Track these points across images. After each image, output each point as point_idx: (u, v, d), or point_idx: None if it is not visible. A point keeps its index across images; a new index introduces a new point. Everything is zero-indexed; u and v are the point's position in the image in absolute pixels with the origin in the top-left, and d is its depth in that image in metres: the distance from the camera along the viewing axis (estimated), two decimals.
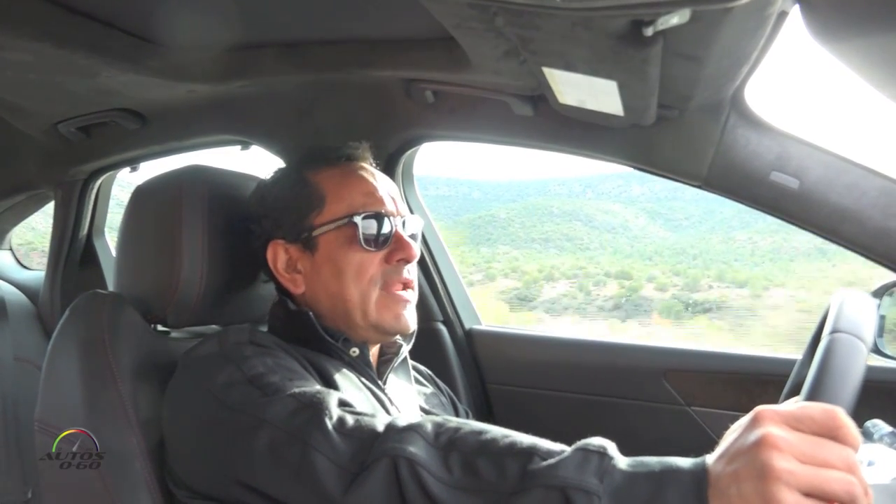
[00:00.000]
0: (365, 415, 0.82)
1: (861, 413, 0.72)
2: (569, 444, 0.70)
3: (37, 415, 1.09)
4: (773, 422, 0.58)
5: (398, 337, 1.17)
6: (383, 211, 1.10)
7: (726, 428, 0.64)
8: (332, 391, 0.88)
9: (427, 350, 1.44)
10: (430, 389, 1.28)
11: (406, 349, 1.19)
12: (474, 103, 1.42)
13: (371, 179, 1.14)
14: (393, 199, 1.14)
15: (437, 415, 1.20)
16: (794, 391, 0.89)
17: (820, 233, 1.22)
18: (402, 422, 0.79)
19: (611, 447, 0.67)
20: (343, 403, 0.86)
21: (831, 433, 0.58)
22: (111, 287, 1.30)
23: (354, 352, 1.10)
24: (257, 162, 1.75)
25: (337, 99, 1.55)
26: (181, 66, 1.43)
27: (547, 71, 1.05)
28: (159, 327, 1.20)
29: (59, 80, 1.49)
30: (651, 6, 0.75)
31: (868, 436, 0.92)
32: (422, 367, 1.34)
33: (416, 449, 0.73)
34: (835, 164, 1.18)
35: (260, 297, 1.22)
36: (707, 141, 1.24)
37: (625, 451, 0.68)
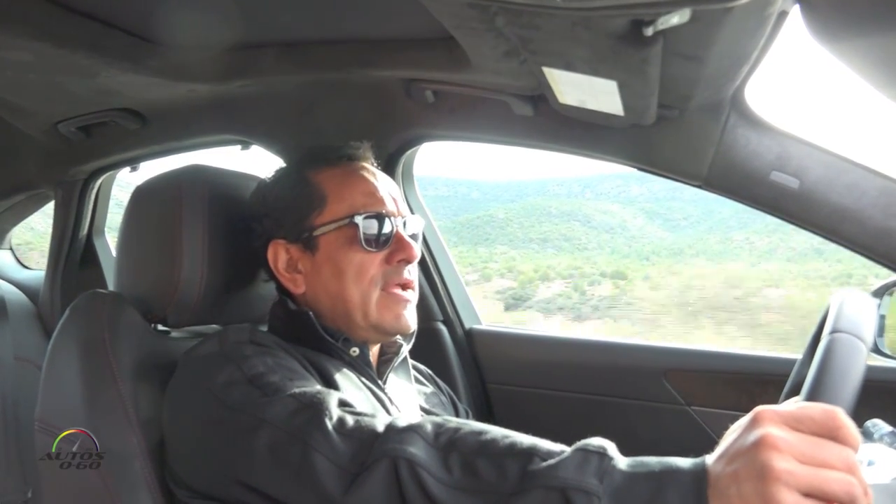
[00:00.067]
0: (365, 415, 0.82)
1: (861, 413, 0.72)
2: (569, 443, 0.70)
3: (37, 414, 1.09)
4: (772, 422, 0.58)
5: (398, 337, 1.17)
6: (384, 211, 1.10)
7: (726, 428, 0.64)
8: (332, 391, 0.88)
9: (427, 350, 1.44)
10: (430, 389, 1.28)
11: (406, 349, 1.19)
12: (474, 103, 1.42)
13: (372, 179, 1.14)
14: (394, 199, 1.14)
15: (437, 414, 1.21)
16: (795, 391, 0.89)
17: (820, 233, 1.22)
18: (401, 422, 0.79)
19: (611, 447, 0.67)
20: (343, 403, 0.86)
21: (831, 433, 0.58)
22: (111, 287, 1.30)
23: (354, 352, 1.10)
24: (257, 162, 1.76)
25: (337, 99, 1.55)
26: (181, 65, 1.43)
27: (547, 71, 1.05)
28: (159, 327, 1.20)
29: (59, 80, 1.49)
30: (651, 6, 0.75)
31: (868, 435, 0.92)
32: (422, 367, 1.34)
33: (416, 449, 0.73)
34: (835, 163, 1.18)
35: (260, 297, 1.22)
36: (707, 141, 1.24)
37: (625, 451, 0.68)
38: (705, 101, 1.20)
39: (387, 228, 1.09)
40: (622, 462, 0.65)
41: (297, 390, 0.87)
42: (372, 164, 1.18)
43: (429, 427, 0.77)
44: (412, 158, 1.66)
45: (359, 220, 1.07)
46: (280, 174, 1.17)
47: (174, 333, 1.22)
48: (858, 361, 0.74)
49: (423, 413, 1.19)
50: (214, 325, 1.22)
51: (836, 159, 1.18)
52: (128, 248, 1.21)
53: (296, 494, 0.79)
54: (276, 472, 0.81)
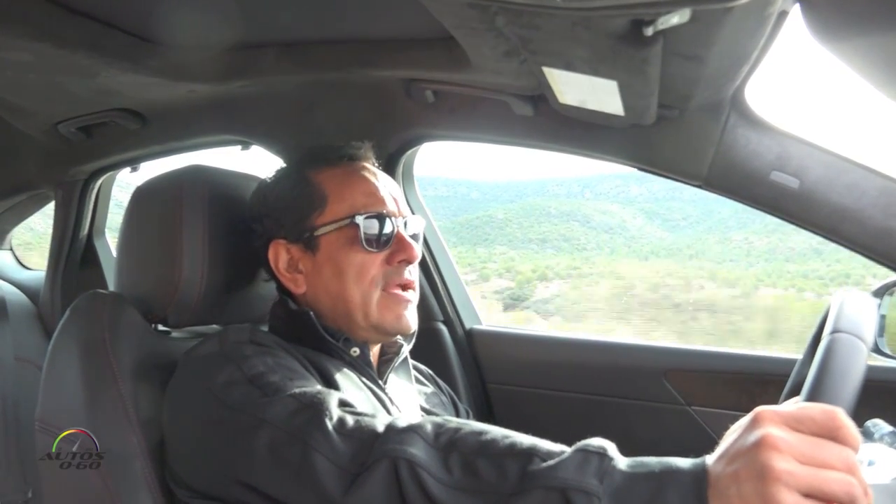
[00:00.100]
0: (365, 415, 0.82)
1: (861, 412, 0.72)
2: (569, 443, 0.70)
3: (37, 414, 1.09)
4: (772, 422, 0.58)
5: (399, 337, 1.17)
6: (385, 211, 1.10)
7: (727, 428, 0.64)
8: (332, 391, 0.88)
9: (427, 350, 1.44)
10: (430, 389, 1.28)
11: (406, 349, 1.19)
12: (474, 103, 1.42)
13: (373, 179, 1.13)
14: (395, 199, 1.14)
15: (437, 414, 1.21)
16: (795, 391, 0.89)
17: (820, 232, 1.22)
18: (402, 422, 0.79)
19: (611, 448, 0.67)
20: (343, 403, 0.86)
21: (831, 434, 0.58)
22: (112, 287, 1.30)
23: (355, 352, 1.10)
24: (257, 162, 1.76)
25: (337, 99, 1.55)
26: (181, 65, 1.43)
27: (547, 71, 1.05)
28: (160, 327, 1.20)
29: (59, 80, 1.49)
30: (651, 6, 0.75)
31: (868, 435, 0.92)
32: (422, 367, 1.34)
33: (417, 450, 0.73)
34: (835, 163, 1.18)
35: (260, 297, 1.22)
36: (707, 140, 1.24)
37: (625, 451, 0.68)
38: (705, 100, 1.20)
39: (388, 229, 1.09)
40: (622, 462, 0.65)
41: (297, 390, 0.87)
42: (373, 164, 1.18)
43: (429, 427, 0.77)
44: (412, 158, 1.66)
45: (359, 220, 1.07)
46: (281, 174, 1.17)
47: (174, 333, 1.22)
48: (859, 361, 0.74)
49: (423, 413, 1.19)
50: (215, 326, 1.23)
51: (836, 159, 1.18)
52: (128, 249, 1.21)
53: (296, 494, 0.79)
54: (276, 471, 0.81)
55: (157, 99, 1.62)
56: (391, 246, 1.10)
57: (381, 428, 0.78)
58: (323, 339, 1.07)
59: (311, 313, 1.08)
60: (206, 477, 0.93)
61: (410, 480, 0.71)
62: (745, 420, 0.61)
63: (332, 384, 1.00)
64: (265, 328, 1.13)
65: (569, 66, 1.00)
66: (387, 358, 1.18)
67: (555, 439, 0.72)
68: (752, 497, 0.56)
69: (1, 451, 1.92)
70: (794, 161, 1.20)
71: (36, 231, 2.91)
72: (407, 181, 1.67)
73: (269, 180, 1.18)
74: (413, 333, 1.17)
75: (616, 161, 1.37)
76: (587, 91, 1.09)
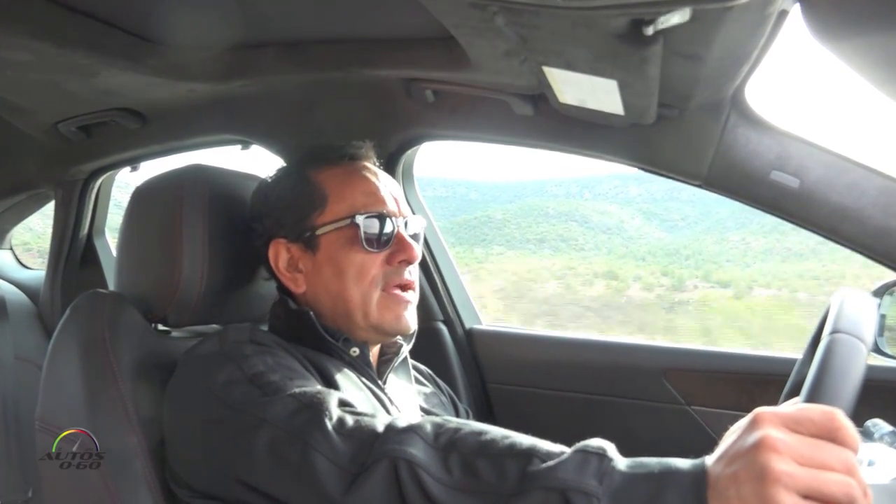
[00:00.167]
0: (365, 415, 0.82)
1: (861, 412, 0.72)
2: (569, 443, 0.70)
3: (37, 414, 1.09)
4: (772, 424, 0.58)
5: (398, 337, 1.17)
6: (385, 211, 1.10)
7: (726, 427, 0.64)
8: (332, 391, 0.88)
9: (427, 349, 1.44)
10: (429, 389, 1.28)
11: (406, 349, 1.19)
12: (474, 103, 1.42)
13: (373, 179, 1.13)
14: (395, 199, 1.14)
15: (437, 414, 1.21)
16: (795, 391, 0.89)
17: (820, 232, 1.22)
18: (401, 423, 0.79)
19: (610, 448, 0.67)
20: (343, 403, 0.86)
21: (830, 435, 0.58)
22: (112, 286, 1.30)
23: (355, 352, 1.10)
24: (257, 162, 1.76)
25: (337, 98, 1.55)
26: (181, 65, 1.43)
27: (547, 70, 1.05)
28: (160, 326, 1.20)
29: (59, 80, 1.49)
30: (651, 5, 0.75)
31: (868, 435, 0.93)
32: (422, 367, 1.33)
33: (416, 450, 0.73)
34: (835, 163, 1.18)
35: (260, 297, 1.22)
36: (707, 140, 1.24)
37: (625, 451, 0.68)
38: (705, 100, 1.20)
39: (388, 229, 1.09)
40: (622, 463, 0.65)
41: (297, 390, 0.87)
42: (374, 164, 1.18)
43: (429, 427, 0.77)
44: (412, 158, 1.66)
45: (360, 219, 1.07)
46: (281, 173, 1.17)
47: (174, 333, 1.22)
48: (858, 362, 0.74)
49: (423, 413, 1.19)
50: (215, 325, 1.23)
51: (836, 159, 1.18)
52: (128, 248, 1.21)
53: (296, 494, 0.79)
54: (276, 471, 0.81)
55: (158, 98, 1.62)
56: (391, 246, 1.10)
57: (380, 428, 0.78)
58: (322, 339, 1.07)
59: (311, 313, 1.08)
60: (206, 476, 0.93)
61: (410, 480, 0.71)
62: (744, 421, 0.61)
63: (331, 384, 1.00)
64: (265, 328, 1.13)
65: (569, 66, 1.00)
66: (386, 358, 1.17)
67: (554, 439, 0.72)
68: (752, 498, 0.56)
69: (1, 450, 1.92)
70: (794, 161, 1.20)
71: (35, 231, 2.91)
72: (407, 181, 1.67)
73: (269, 179, 1.18)
74: (413, 333, 1.17)
75: (616, 161, 1.37)
76: (587, 90, 1.09)
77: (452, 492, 0.70)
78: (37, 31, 1.23)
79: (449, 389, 1.36)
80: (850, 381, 0.71)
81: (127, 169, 2.04)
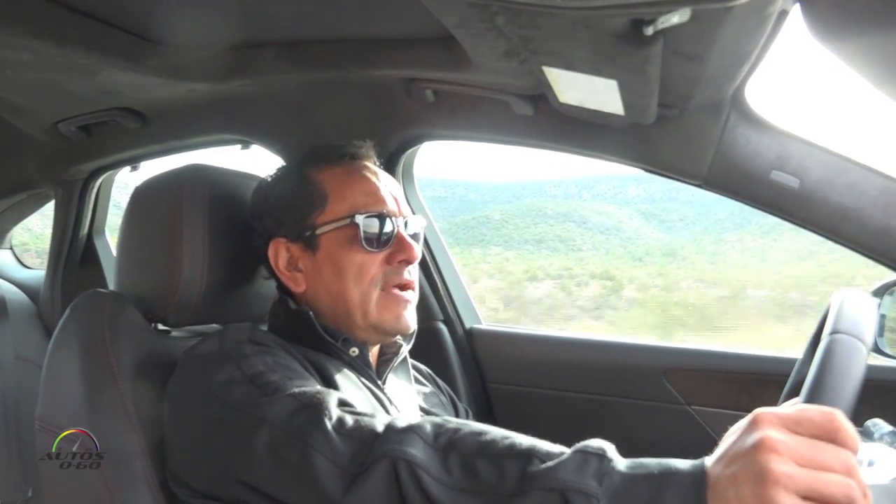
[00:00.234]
0: (365, 415, 0.82)
1: (861, 412, 0.72)
2: (569, 443, 0.70)
3: (37, 414, 1.09)
4: (771, 424, 0.58)
5: (398, 337, 1.17)
6: (385, 211, 1.10)
7: (727, 427, 0.64)
8: (331, 391, 0.88)
9: (427, 349, 1.44)
10: (429, 389, 1.28)
11: (406, 349, 1.19)
12: (474, 102, 1.42)
13: (374, 179, 1.13)
14: (395, 199, 1.14)
15: (436, 414, 1.21)
16: (795, 391, 0.89)
17: (820, 232, 1.22)
18: (401, 423, 0.79)
19: (610, 449, 0.67)
20: (343, 403, 0.86)
21: (830, 436, 0.58)
22: (112, 286, 1.30)
23: (354, 352, 1.09)
24: (258, 161, 1.76)
25: (337, 98, 1.55)
26: (181, 65, 1.43)
27: (547, 70, 1.05)
28: (160, 326, 1.20)
29: (59, 79, 1.49)
30: (651, 5, 0.75)
31: (868, 435, 0.92)
32: (421, 367, 1.33)
33: (416, 450, 0.73)
34: (835, 163, 1.18)
35: (260, 297, 1.22)
36: (707, 140, 1.24)
37: (625, 451, 0.68)
38: (706, 100, 1.20)
39: (388, 228, 1.09)
40: (621, 464, 0.65)
41: (296, 390, 0.87)
42: (374, 164, 1.18)
43: (428, 427, 0.77)
44: (412, 158, 1.66)
45: (360, 219, 1.07)
46: (281, 173, 1.17)
47: (174, 333, 1.22)
48: (858, 362, 0.74)
49: (422, 413, 1.19)
50: (215, 325, 1.23)
51: (836, 159, 1.18)
52: (128, 248, 1.21)
53: (296, 494, 0.79)
54: (275, 471, 0.81)
55: (158, 98, 1.62)
56: (391, 246, 1.10)
57: (380, 428, 0.78)
58: (322, 339, 1.07)
59: (311, 313, 1.08)
60: (205, 476, 0.93)
61: (410, 481, 0.71)
62: (743, 422, 0.61)
63: (331, 384, 1.00)
64: (265, 327, 1.13)
65: (569, 66, 1.00)
66: (386, 358, 1.17)
67: (555, 439, 0.72)
68: (751, 499, 0.56)
69: (1, 450, 1.92)
70: (794, 160, 1.20)
71: (34, 232, 2.90)
72: (407, 181, 1.67)
73: (269, 179, 1.18)
74: (412, 333, 1.17)
75: (616, 160, 1.37)
76: (587, 90, 1.09)
77: (452, 492, 0.70)
78: (37, 31, 1.23)
79: (449, 389, 1.36)
80: (850, 381, 0.71)
81: (126, 169, 2.04)
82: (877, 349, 1.08)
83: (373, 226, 1.08)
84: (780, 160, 1.20)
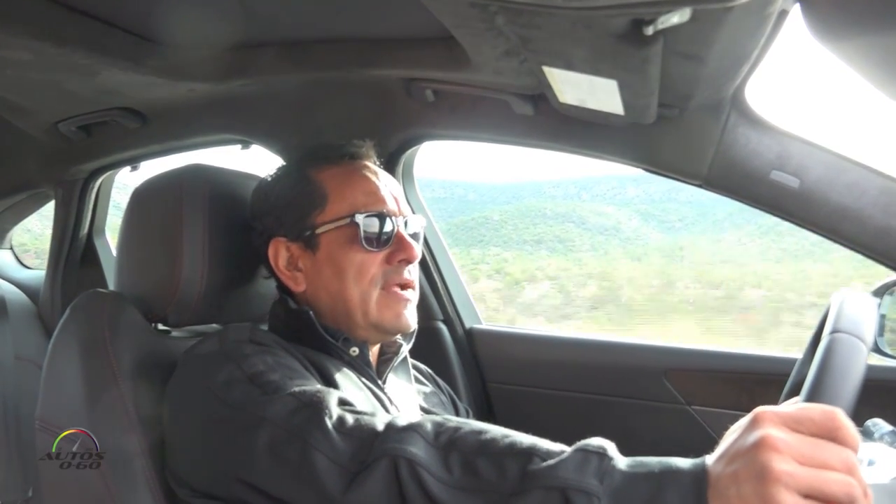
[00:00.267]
0: (365, 414, 0.82)
1: (861, 412, 0.72)
2: (569, 443, 0.70)
3: (37, 414, 1.09)
4: (772, 423, 0.58)
5: (398, 336, 1.17)
6: (385, 210, 1.10)
7: (727, 427, 0.64)
8: (332, 390, 0.88)
9: (427, 349, 1.44)
10: (429, 388, 1.28)
11: (406, 349, 1.19)
12: (474, 102, 1.42)
13: (374, 178, 1.13)
14: (395, 198, 1.14)
15: (436, 414, 1.21)
16: (795, 391, 0.89)
17: (820, 232, 1.22)
18: (402, 421, 0.79)
19: (610, 448, 0.67)
20: (343, 402, 0.86)
21: (831, 434, 0.58)
22: (112, 286, 1.30)
23: (354, 351, 1.10)
24: (258, 161, 1.76)
25: (337, 98, 1.55)
26: (181, 65, 1.43)
27: (547, 70, 1.05)
28: (160, 326, 1.20)
29: (60, 79, 1.49)
30: (651, 5, 0.75)
31: (868, 435, 0.93)
32: (421, 366, 1.33)
33: (417, 449, 0.73)
34: (835, 163, 1.18)
35: (260, 296, 1.22)
36: (707, 140, 1.24)
37: (625, 451, 0.68)
38: (706, 100, 1.20)
39: (388, 228, 1.09)
40: (622, 462, 0.65)
41: (296, 389, 0.87)
42: (374, 163, 1.18)
43: (429, 426, 0.77)
44: (412, 158, 1.66)
45: (359, 219, 1.07)
46: (281, 172, 1.17)
47: (175, 333, 1.22)
48: (858, 362, 0.74)
49: (422, 413, 1.19)
50: (215, 325, 1.23)
51: (836, 158, 1.18)
52: (128, 248, 1.21)
53: (296, 493, 0.79)
54: (276, 470, 0.81)
55: (158, 98, 1.62)
56: (391, 245, 1.10)
57: (380, 427, 0.78)
58: (322, 339, 1.07)
59: (311, 312, 1.08)
60: (206, 476, 0.93)
61: (410, 479, 0.71)
62: (744, 420, 0.61)
63: (331, 383, 1.00)
64: (265, 327, 1.13)
65: (569, 66, 1.00)
66: (386, 358, 1.18)
67: (555, 439, 0.72)
68: (752, 497, 0.56)
69: (1, 450, 1.92)
70: (794, 160, 1.20)
71: (33, 233, 2.90)
72: (407, 180, 1.67)
73: (269, 179, 1.18)
74: (413, 333, 1.18)
75: (616, 160, 1.37)
76: (587, 90, 1.09)
77: (452, 490, 0.70)
78: (37, 31, 1.23)
79: (449, 389, 1.36)
80: (851, 380, 0.71)
81: (126, 169, 2.04)
82: (877, 349, 1.08)
83: (373, 225, 1.08)
84: (781, 160, 1.20)
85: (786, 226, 1.25)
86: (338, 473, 0.76)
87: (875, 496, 0.59)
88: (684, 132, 1.26)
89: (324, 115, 1.58)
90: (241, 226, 1.16)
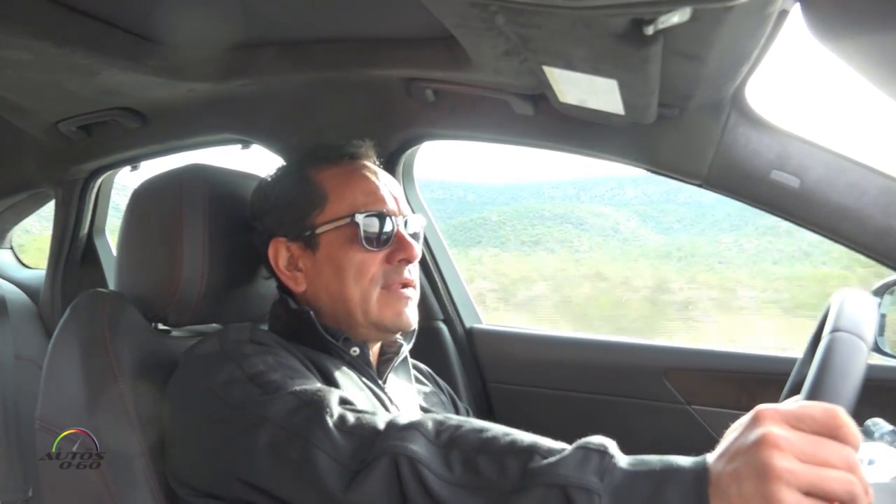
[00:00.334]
0: (366, 412, 0.82)
1: (861, 412, 0.72)
2: (569, 442, 0.70)
3: (37, 414, 1.09)
4: (773, 421, 0.58)
5: (399, 336, 1.17)
6: (385, 210, 1.10)
7: (727, 427, 0.64)
8: (332, 389, 0.88)
9: (428, 349, 1.44)
10: (429, 388, 1.28)
11: (406, 349, 1.19)
12: (475, 102, 1.42)
13: (373, 178, 1.13)
14: (395, 198, 1.14)
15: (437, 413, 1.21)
16: (795, 390, 0.89)
17: (820, 232, 1.22)
18: (403, 420, 0.79)
19: (611, 445, 0.67)
20: (344, 401, 0.86)
21: (832, 432, 0.58)
22: (112, 286, 1.30)
23: (355, 351, 1.10)
24: (258, 161, 1.76)
25: (337, 98, 1.55)
26: (181, 64, 1.43)
27: (547, 70, 1.05)
28: (160, 326, 1.20)
29: (60, 79, 1.49)
30: (651, 5, 0.75)
31: (868, 434, 0.93)
32: (422, 366, 1.34)
33: (417, 447, 0.73)
34: (835, 162, 1.18)
35: (261, 296, 1.22)
36: (708, 140, 1.24)
37: (625, 450, 0.68)
38: (706, 100, 1.20)
39: (387, 227, 1.09)
40: (623, 460, 0.65)
41: (297, 388, 0.87)
42: (374, 163, 1.18)
43: (430, 424, 0.77)
44: (412, 158, 1.66)
45: (359, 218, 1.07)
46: (281, 172, 1.17)
47: (175, 333, 1.22)
48: (859, 360, 0.74)
49: (422, 412, 1.19)
50: (215, 325, 1.23)
51: (836, 158, 1.18)
52: (128, 248, 1.21)
53: (297, 492, 0.79)
54: (277, 469, 0.81)
55: (158, 98, 1.62)
56: (391, 245, 1.10)
57: (381, 425, 0.78)
58: (323, 339, 1.07)
59: (311, 312, 1.08)
60: (207, 475, 0.93)
61: (411, 477, 0.71)
62: (745, 418, 0.61)
63: (332, 383, 1.00)
64: (265, 327, 1.13)
65: (569, 65, 1.00)
66: (386, 357, 1.18)
67: (555, 438, 0.72)
68: (753, 495, 0.56)
69: (1, 450, 1.92)
70: (794, 160, 1.20)
71: (32, 233, 2.90)
72: (407, 180, 1.67)
73: (269, 178, 1.18)
74: (413, 332, 1.18)
75: (616, 160, 1.37)
76: (587, 90, 1.09)
77: (453, 488, 0.70)
78: (37, 31, 1.23)
79: (449, 389, 1.36)
80: (851, 379, 0.71)
81: (125, 171, 2.04)
82: (877, 349, 1.08)
83: (372, 225, 1.08)
84: (781, 160, 1.20)
85: (782, 227, 1.25)
86: (339, 472, 0.76)
87: (875, 495, 0.59)
88: (684, 132, 1.26)
89: (324, 115, 1.58)
90: (241, 226, 1.16)
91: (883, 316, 1.11)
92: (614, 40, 0.86)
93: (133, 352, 1.08)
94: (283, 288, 1.15)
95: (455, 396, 1.36)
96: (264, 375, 0.90)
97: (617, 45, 0.87)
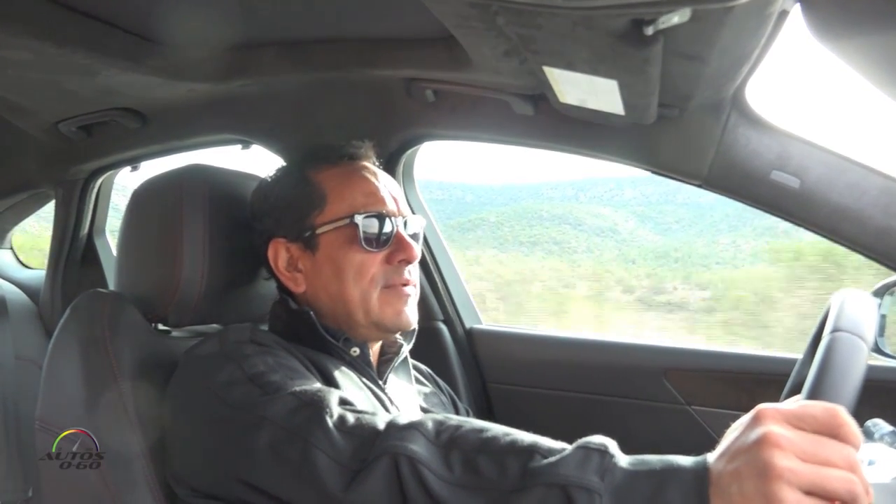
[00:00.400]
0: (366, 413, 0.82)
1: (862, 412, 0.72)
2: (569, 443, 0.70)
3: (37, 414, 1.09)
4: (774, 420, 0.58)
5: (399, 336, 1.17)
6: (384, 211, 1.10)
7: (727, 427, 0.64)
8: (332, 389, 0.88)
9: (428, 349, 1.44)
10: (429, 388, 1.28)
11: (406, 349, 1.19)
12: (475, 102, 1.42)
13: (373, 179, 1.13)
14: (395, 198, 1.14)
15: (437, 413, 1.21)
16: (795, 390, 0.89)
17: (820, 232, 1.22)
18: (403, 420, 0.79)
19: (612, 445, 0.67)
20: (344, 402, 0.86)
21: (832, 431, 0.58)
22: (112, 286, 1.30)
23: (355, 351, 1.10)
24: (258, 161, 1.76)
25: (337, 98, 1.55)
26: (181, 65, 1.43)
27: (548, 70, 1.05)
28: (160, 326, 1.20)
29: (60, 79, 1.49)
30: (652, 5, 0.75)
31: (868, 435, 0.93)
32: (422, 366, 1.34)
33: (418, 447, 0.73)
34: (836, 163, 1.18)
35: (261, 297, 1.22)
36: (708, 140, 1.24)
37: (625, 451, 0.68)
38: (706, 100, 1.20)
39: (387, 228, 1.09)
40: (623, 460, 0.65)
41: (297, 388, 0.87)
42: (373, 164, 1.18)
43: (430, 424, 0.77)
44: (412, 158, 1.66)
45: (359, 219, 1.07)
46: (281, 173, 1.17)
47: (175, 333, 1.22)
48: (859, 361, 0.74)
49: (422, 413, 1.19)
50: (215, 325, 1.23)
51: (836, 158, 1.18)
52: (128, 248, 1.21)
53: (297, 492, 0.79)
54: (277, 469, 0.81)
55: (158, 98, 1.62)
56: (391, 245, 1.10)
57: (381, 425, 0.78)
58: (323, 339, 1.07)
59: (311, 313, 1.08)
60: (207, 476, 0.93)
61: (411, 477, 0.71)
62: (746, 418, 0.61)
63: (332, 384, 1.00)
64: (265, 328, 1.13)
65: (569, 66, 1.00)
66: (387, 358, 1.18)
67: (555, 438, 0.72)
68: (754, 495, 0.56)
69: (1, 450, 1.92)
70: (794, 160, 1.20)
71: (31, 234, 2.90)
72: (407, 181, 1.67)
73: (269, 179, 1.18)
74: (413, 332, 1.18)
75: (616, 161, 1.37)
76: (588, 90, 1.09)
77: (453, 488, 0.70)
78: (37, 31, 1.23)
79: (449, 389, 1.36)
80: (851, 379, 0.71)
81: (125, 171, 2.04)
82: (877, 349, 1.08)
83: (372, 226, 1.08)
84: (781, 160, 1.20)
85: (780, 228, 1.25)
86: (338, 472, 0.76)
87: (876, 496, 0.59)
88: (684, 132, 1.26)
89: (324, 115, 1.58)
90: (241, 226, 1.16)
91: (883, 316, 1.11)
92: (614, 41, 0.86)
93: (133, 352, 1.08)
94: (283, 288, 1.15)
95: (455, 397, 1.36)
96: (264, 376, 0.90)
97: (617, 45, 0.87)
